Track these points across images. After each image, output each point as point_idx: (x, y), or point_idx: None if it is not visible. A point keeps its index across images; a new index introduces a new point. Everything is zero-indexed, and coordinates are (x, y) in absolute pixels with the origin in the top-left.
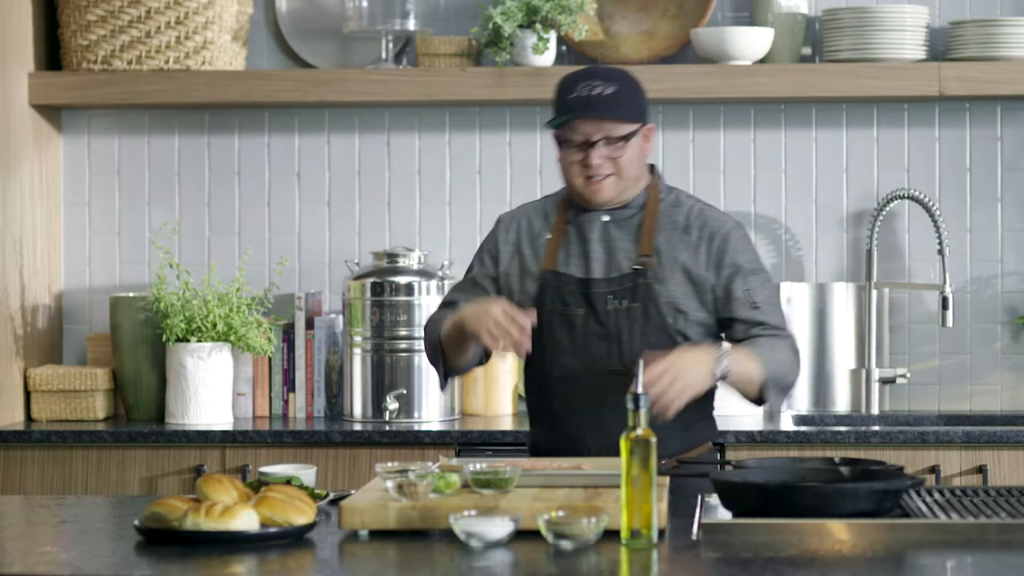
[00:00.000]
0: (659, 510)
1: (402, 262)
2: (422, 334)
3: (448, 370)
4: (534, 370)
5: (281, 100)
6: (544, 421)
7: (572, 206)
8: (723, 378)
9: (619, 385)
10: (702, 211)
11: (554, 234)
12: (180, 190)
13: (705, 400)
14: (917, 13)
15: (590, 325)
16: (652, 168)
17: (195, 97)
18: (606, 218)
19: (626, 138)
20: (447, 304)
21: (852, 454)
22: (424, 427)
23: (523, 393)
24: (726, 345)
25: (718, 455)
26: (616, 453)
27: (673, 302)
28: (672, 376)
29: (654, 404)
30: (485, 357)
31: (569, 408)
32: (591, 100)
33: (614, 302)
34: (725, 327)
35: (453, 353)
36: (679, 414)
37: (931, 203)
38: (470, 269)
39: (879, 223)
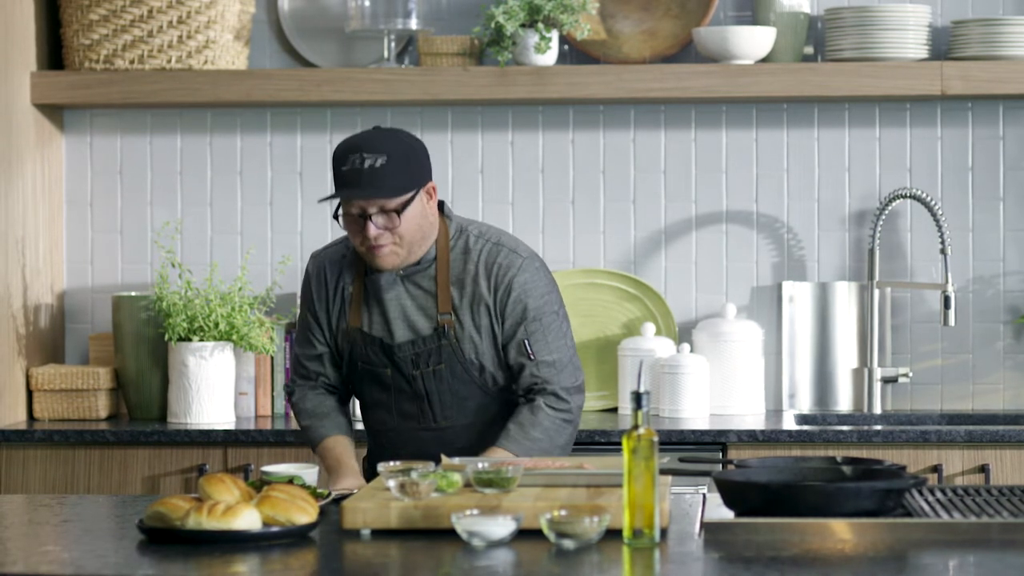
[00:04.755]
0: (661, 509)
1: None
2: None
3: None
4: (364, 418)
5: (283, 99)
6: (378, 460)
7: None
8: None
9: (433, 439)
10: (490, 252)
11: (355, 288)
12: (182, 189)
13: (500, 408)
14: (919, 12)
15: (400, 384)
16: (442, 207)
17: (197, 96)
18: (401, 274)
19: (400, 209)
20: (300, 363)
21: (854, 453)
22: None
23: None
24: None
25: None
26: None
27: (476, 357)
28: None
29: None
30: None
31: (393, 458)
32: (361, 175)
33: (420, 365)
34: (512, 372)
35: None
36: (475, 426)
37: (933, 202)
38: (302, 317)
39: (881, 222)
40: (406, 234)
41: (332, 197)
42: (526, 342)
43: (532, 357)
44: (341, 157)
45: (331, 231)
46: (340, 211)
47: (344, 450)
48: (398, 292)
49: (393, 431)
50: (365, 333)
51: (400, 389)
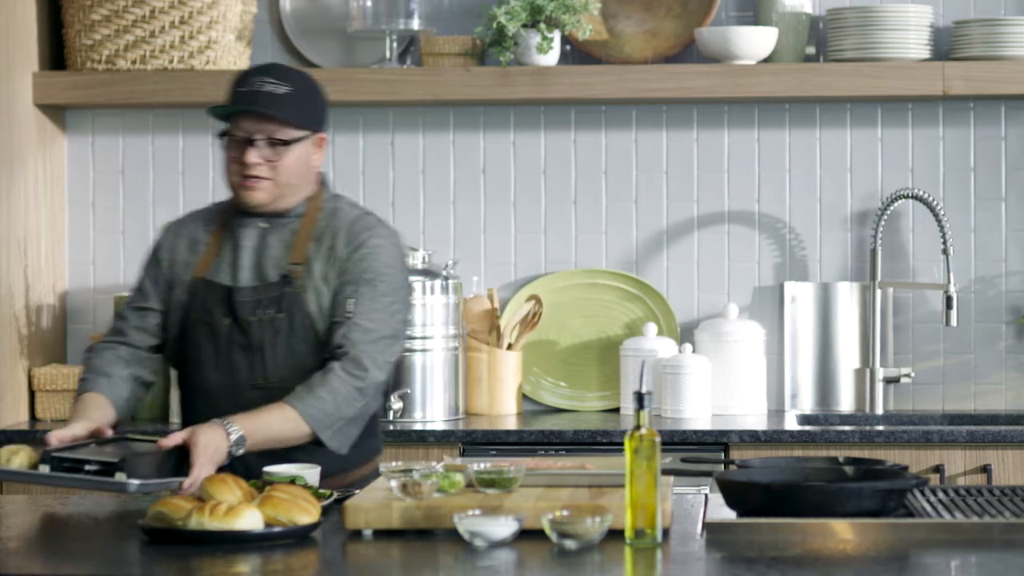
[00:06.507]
0: (663, 509)
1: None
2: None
3: None
4: (183, 383)
5: None
6: (194, 422)
7: (235, 213)
8: (240, 442)
9: (261, 399)
10: (359, 218)
11: (211, 242)
12: (184, 190)
13: (363, 419)
14: (921, 12)
15: (234, 335)
16: (321, 177)
17: (199, 97)
18: (264, 225)
19: (288, 143)
20: (120, 317)
21: (856, 454)
22: (428, 427)
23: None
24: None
25: None
26: (259, 469)
27: (316, 310)
28: (205, 454)
29: (193, 485)
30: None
31: (214, 416)
32: (259, 96)
33: (259, 312)
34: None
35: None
36: (347, 437)
37: (935, 203)
38: (141, 278)
39: (883, 223)
40: (284, 173)
41: (223, 111)
42: (351, 300)
43: (349, 315)
44: (242, 79)
45: None
46: (226, 134)
47: (94, 405)
48: (256, 242)
49: (218, 390)
50: (208, 281)
51: (232, 341)
